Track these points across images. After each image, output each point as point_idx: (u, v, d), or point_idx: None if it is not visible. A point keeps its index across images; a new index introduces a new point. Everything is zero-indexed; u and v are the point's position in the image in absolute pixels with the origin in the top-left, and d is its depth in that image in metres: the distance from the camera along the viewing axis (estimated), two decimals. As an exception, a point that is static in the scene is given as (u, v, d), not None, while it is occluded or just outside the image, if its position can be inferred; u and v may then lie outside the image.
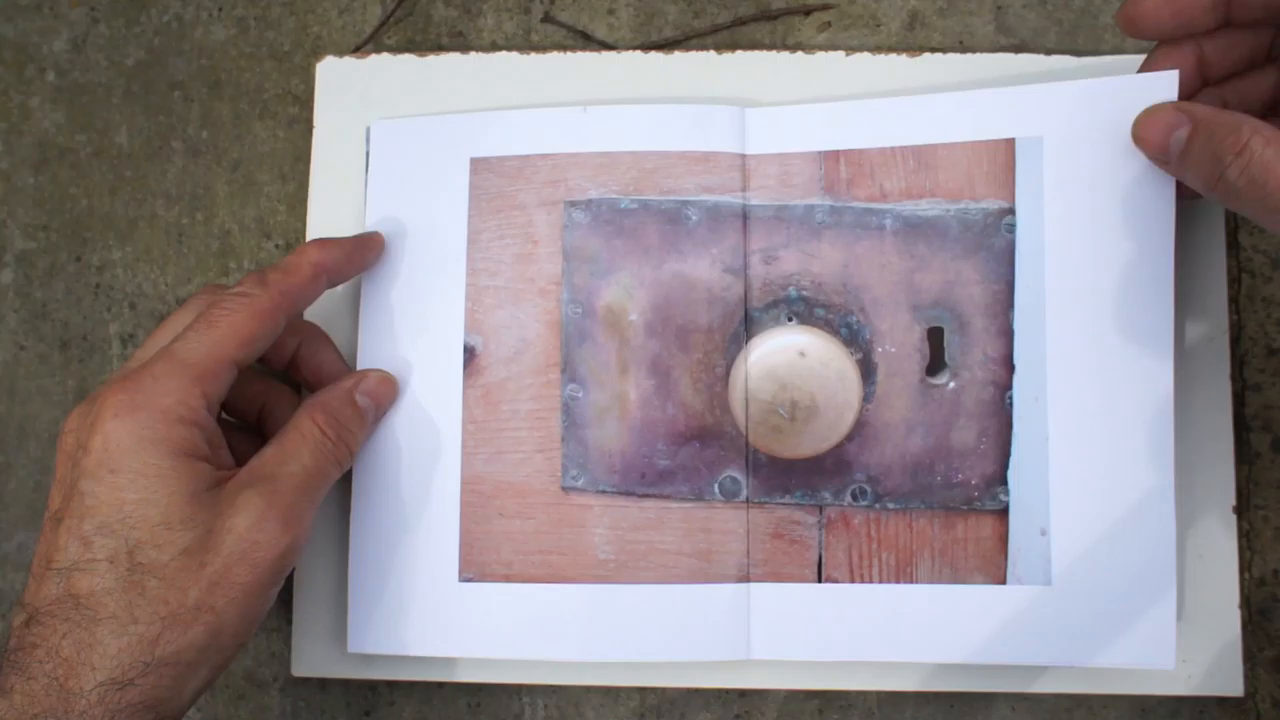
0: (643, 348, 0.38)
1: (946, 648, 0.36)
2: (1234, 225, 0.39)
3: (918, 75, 0.39)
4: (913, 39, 0.41)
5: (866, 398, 0.37)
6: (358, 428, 0.36)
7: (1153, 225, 0.35)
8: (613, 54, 0.41)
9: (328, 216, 0.40)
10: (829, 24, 0.42)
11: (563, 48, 0.41)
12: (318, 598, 0.39)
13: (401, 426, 0.38)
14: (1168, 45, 0.34)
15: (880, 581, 0.37)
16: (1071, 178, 0.36)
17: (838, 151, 0.38)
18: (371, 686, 0.40)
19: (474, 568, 0.37)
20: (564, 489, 0.38)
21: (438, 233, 0.39)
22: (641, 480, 0.37)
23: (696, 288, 0.38)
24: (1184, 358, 0.38)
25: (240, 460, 0.34)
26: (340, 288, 0.39)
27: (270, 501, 0.32)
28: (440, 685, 0.40)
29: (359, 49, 0.42)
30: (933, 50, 0.40)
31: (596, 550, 0.37)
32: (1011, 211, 0.37)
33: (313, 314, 0.39)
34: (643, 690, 0.40)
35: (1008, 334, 0.37)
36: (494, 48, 0.42)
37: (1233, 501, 0.38)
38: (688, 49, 0.41)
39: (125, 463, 0.31)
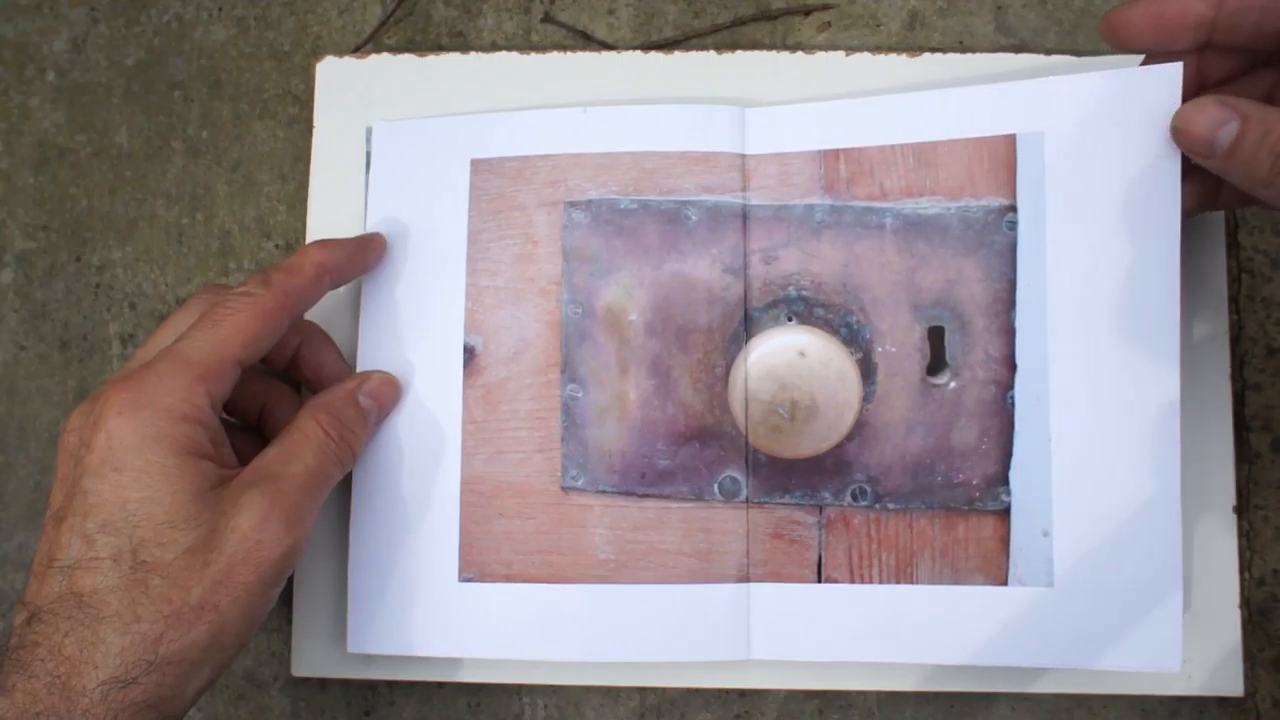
0: (642, 348, 0.38)
1: (947, 649, 0.36)
2: (1234, 225, 0.39)
3: (918, 75, 0.39)
4: (913, 39, 0.41)
5: (866, 398, 0.37)
6: (360, 429, 0.36)
7: (1157, 220, 0.34)
8: (613, 54, 0.41)
9: (328, 216, 0.40)
10: (829, 24, 0.42)
11: (563, 48, 0.41)
12: (318, 598, 0.39)
13: (402, 426, 0.38)
14: (1157, 56, 0.34)
15: (880, 582, 0.37)
16: (1073, 173, 0.35)
17: (837, 150, 0.37)
18: (371, 686, 0.40)
19: (474, 568, 0.37)
20: (564, 489, 0.38)
21: (438, 233, 0.39)
22: (641, 480, 0.37)
23: (696, 288, 0.38)
24: (1184, 357, 0.38)
25: (242, 460, 0.34)
26: (341, 288, 0.39)
27: (273, 501, 0.32)
28: (440, 685, 0.40)
29: (359, 49, 0.42)
30: (933, 50, 0.40)
31: (596, 550, 0.37)
32: (1013, 208, 0.36)
33: (313, 314, 0.39)
34: (643, 690, 0.40)
35: (1009, 333, 0.36)
36: (494, 48, 0.42)
37: (1233, 501, 0.38)
38: (688, 49, 0.41)
39: (129, 461, 0.31)
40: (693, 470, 0.37)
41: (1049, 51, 0.40)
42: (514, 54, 0.41)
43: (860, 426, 0.37)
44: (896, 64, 0.39)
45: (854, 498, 0.37)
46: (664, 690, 0.39)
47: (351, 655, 0.38)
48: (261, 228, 0.42)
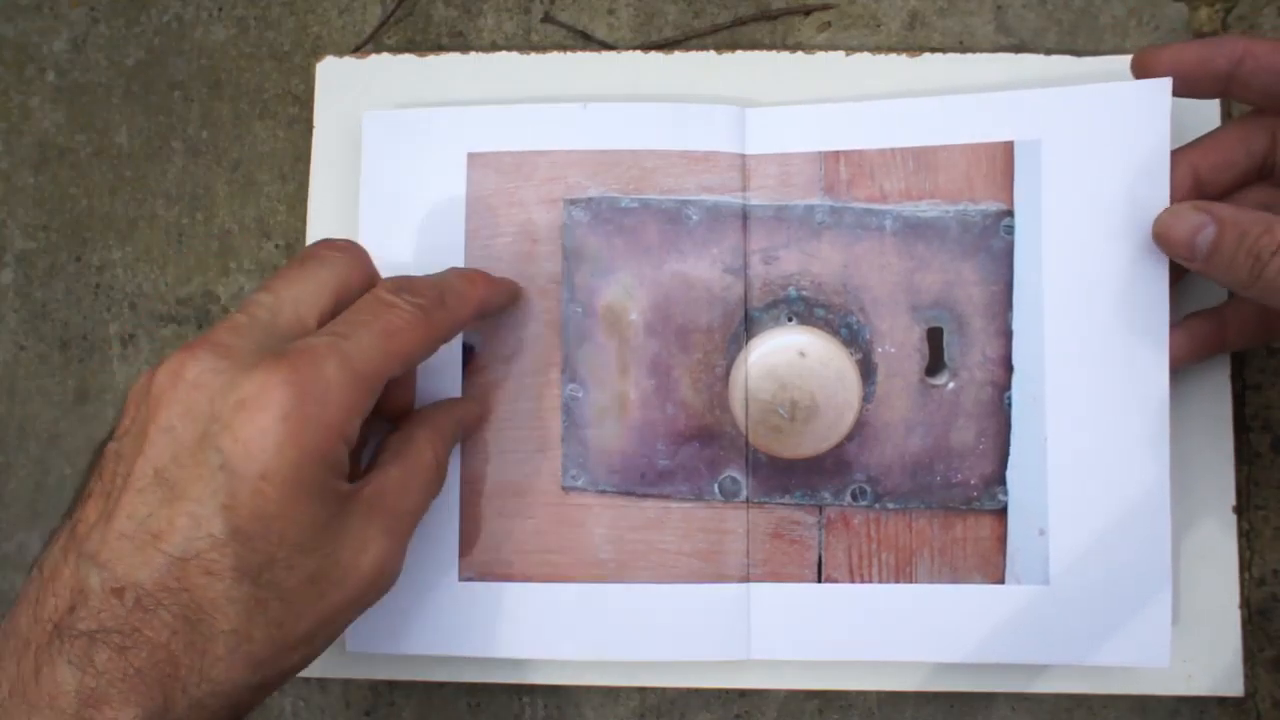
0: (643, 347, 0.38)
1: (945, 647, 0.36)
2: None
3: (918, 75, 0.39)
4: (913, 39, 0.41)
5: (866, 398, 0.37)
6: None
7: (1148, 226, 0.35)
8: (613, 54, 0.41)
9: (328, 216, 0.40)
10: (829, 24, 0.42)
11: (563, 48, 0.41)
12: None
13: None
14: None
15: (880, 581, 0.37)
16: (1069, 180, 0.36)
17: (838, 152, 0.38)
18: (371, 686, 0.40)
19: (474, 567, 0.37)
20: (564, 489, 0.38)
21: (435, 228, 0.39)
22: (641, 480, 0.37)
23: (696, 287, 0.38)
24: (1184, 358, 0.38)
25: None
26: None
27: (393, 544, 0.31)
28: (440, 685, 0.40)
29: (359, 49, 0.42)
30: (933, 50, 0.40)
31: (596, 550, 0.37)
32: (1010, 213, 0.37)
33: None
34: (643, 690, 0.40)
35: (1006, 335, 0.37)
36: (494, 48, 0.42)
37: (1233, 501, 0.38)
38: (688, 49, 0.41)
39: (281, 474, 0.27)
40: (693, 470, 0.37)
41: (1049, 51, 0.40)
42: (514, 54, 0.41)
43: (860, 426, 0.37)
44: (896, 64, 0.39)
45: (854, 498, 0.37)
46: (664, 690, 0.40)
47: (351, 655, 0.38)
48: (261, 228, 0.42)
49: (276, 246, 0.42)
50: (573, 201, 0.38)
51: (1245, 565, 0.38)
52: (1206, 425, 0.38)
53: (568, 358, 0.38)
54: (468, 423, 0.37)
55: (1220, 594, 0.37)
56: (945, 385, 0.37)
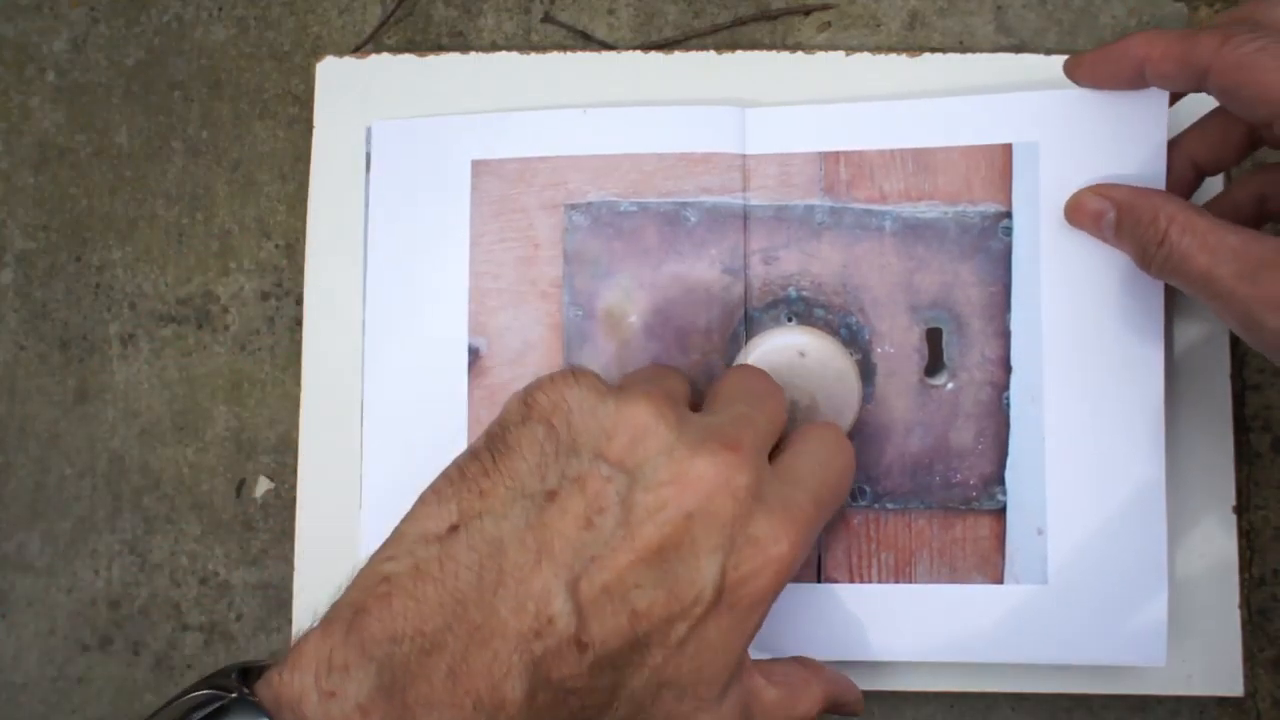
0: (643, 349, 0.38)
1: (945, 647, 0.36)
2: (1234, 225, 0.39)
3: (918, 75, 0.39)
4: (913, 39, 0.41)
5: (866, 398, 0.37)
6: None
7: None
8: (613, 54, 0.41)
9: (328, 217, 0.40)
10: (829, 24, 0.42)
11: (563, 48, 0.41)
12: (319, 599, 0.39)
13: (407, 428, 0.38)
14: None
15: (879, 581, 0.37)
16: (1067, 182, 0.36)
17: (838, 153, 0.38)
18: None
19: (474, 568, 0.38)
20: (564, 489, 0.38)
21: (441, 235, 0.39)
22: (641, 481, 0.38)
23: (696, 288, 0.38)
24: (1184, 358, 0.38)
25: None
26: (341, 290, 0.39)
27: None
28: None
29: (359, 49, 0.42)
30: (933, 50, 0.40)
31: (596, 550, 0.37)
32: (1008, 215, 0.37)
33: (313, 307, 0.39)
34: (642, 690, 0.40)
35: (1005, 335, 0.37)
36: (494, 48, 0.42)
37: (1233, 501, 0.38)
38: (688, 49, 0.41)
39: (751, 610, 0.27)
40: (692, 471, 0.37)
41: (1049, 51, 0.40)
42: (514, 54, 0.41)
43: (859, 427, 0.37)
44: (896, 64, 0.39)
45: (853, 497, 0.37)
46: (664, 689, 0.40)
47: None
48: (261, 228, 0.42)
49: (276, 246, 0.42)
50: (573, 206, 0.38)
51: (1245, 565, 0.38)
52: (1206, 425, 0.38)
53: (569, 360, 0.38)
54: None
55: (1220, 594, 0.37)
56: (944, 385, 0.37)
